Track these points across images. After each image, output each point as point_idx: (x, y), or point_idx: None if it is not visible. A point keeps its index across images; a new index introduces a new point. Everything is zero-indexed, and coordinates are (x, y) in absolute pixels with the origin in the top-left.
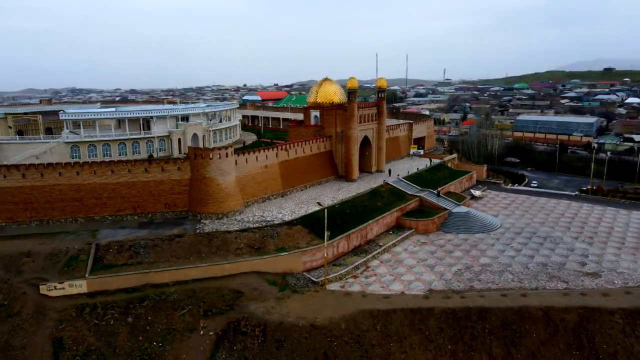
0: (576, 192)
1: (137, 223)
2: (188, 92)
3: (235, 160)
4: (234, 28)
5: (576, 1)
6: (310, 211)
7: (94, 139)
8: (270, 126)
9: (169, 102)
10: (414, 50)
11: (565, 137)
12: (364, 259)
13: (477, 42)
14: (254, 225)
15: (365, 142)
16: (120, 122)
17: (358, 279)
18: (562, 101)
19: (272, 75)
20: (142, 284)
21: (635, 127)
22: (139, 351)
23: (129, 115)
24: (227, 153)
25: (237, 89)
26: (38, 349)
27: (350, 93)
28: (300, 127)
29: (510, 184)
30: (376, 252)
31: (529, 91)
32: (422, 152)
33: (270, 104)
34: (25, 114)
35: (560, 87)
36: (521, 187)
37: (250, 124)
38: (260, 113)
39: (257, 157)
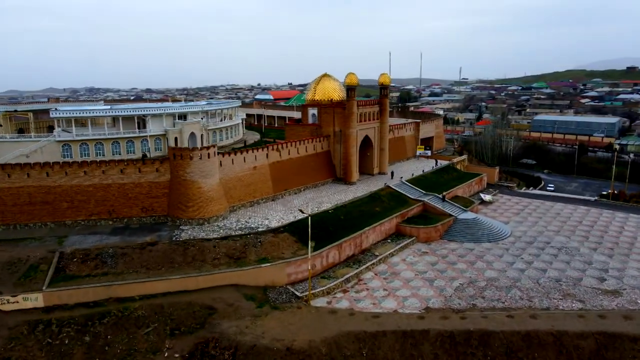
0: (596, 197)
1: (111, 228)
2: (202, 91)
3: (220, 161)
4: (252, 29)
5: None
6: (300, 217)
7: (87, 137)
8: (276, 125)
9: (173, 100)
10: (431, 50)
11: (585, 138)
12: (356, 271)
13: (495, 41)
14: (237, 233)
15: (367, 143)
16: (115, 120)
17: (347, 294)
18: (583, 101)
19: (287, 74)
20: (105, 297)
21: None
22: None
23: (123, 114)
24: (209, 153)
25: (251, 88)
26: None
27: (349, 90)
28: (297, 126)
29: (524, 187)
30: (370, 262)
31: (548, 90)
32: (429, 153)
33: (282, 103)
34: (15, 111)
35: (581, 87)
36: (536, 191)
37: (256, 123)
38: (262, 111)
39: (244, 157)
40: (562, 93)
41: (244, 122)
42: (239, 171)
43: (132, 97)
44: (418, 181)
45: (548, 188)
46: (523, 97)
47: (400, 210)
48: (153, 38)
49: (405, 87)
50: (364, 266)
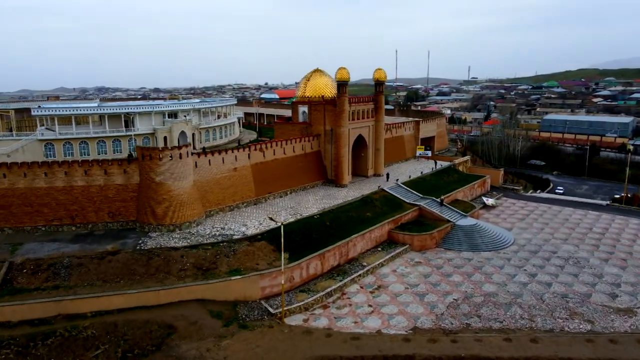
0: (607, 202)
1: (72, 235)
2: (208, 90)
3: (195, 162)
4: (259, 28)
5: None
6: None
7: (70, 136)
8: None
9: (171, 98)
10: (441, 50)
11: (597, 138)
12: (339, 284)
13: (507, 40)
14: (209, 241)
15: (361, 142)
16: (101, 118)
17: (328, 310)
18: (595, 100)
19: (295, 73)
20: (54, 314)
21: None
22: None
23: (109, 111)
24: (180, 154)
25: (258, 87)
26: None
27: (340, 86)
28: (287, 124)
29: (531, 190)
30: (357, 274)
31: (559, 90)
32: (429, 153)
33: (286, 102)
34: None
35: (593, 86)
36: (543, 195)
37: (256, 122)
38: (260, 110)
39: (223, 158)
40: (573, 92)
41: (241, 121)
42: (216, 173)
43: (139, 96)
44: (415, 184)
45: (557, 191)
46: (533, 97)
47: (393, 215)
48: (162, 38)
49: (413, 86)
50: (349, 278)
